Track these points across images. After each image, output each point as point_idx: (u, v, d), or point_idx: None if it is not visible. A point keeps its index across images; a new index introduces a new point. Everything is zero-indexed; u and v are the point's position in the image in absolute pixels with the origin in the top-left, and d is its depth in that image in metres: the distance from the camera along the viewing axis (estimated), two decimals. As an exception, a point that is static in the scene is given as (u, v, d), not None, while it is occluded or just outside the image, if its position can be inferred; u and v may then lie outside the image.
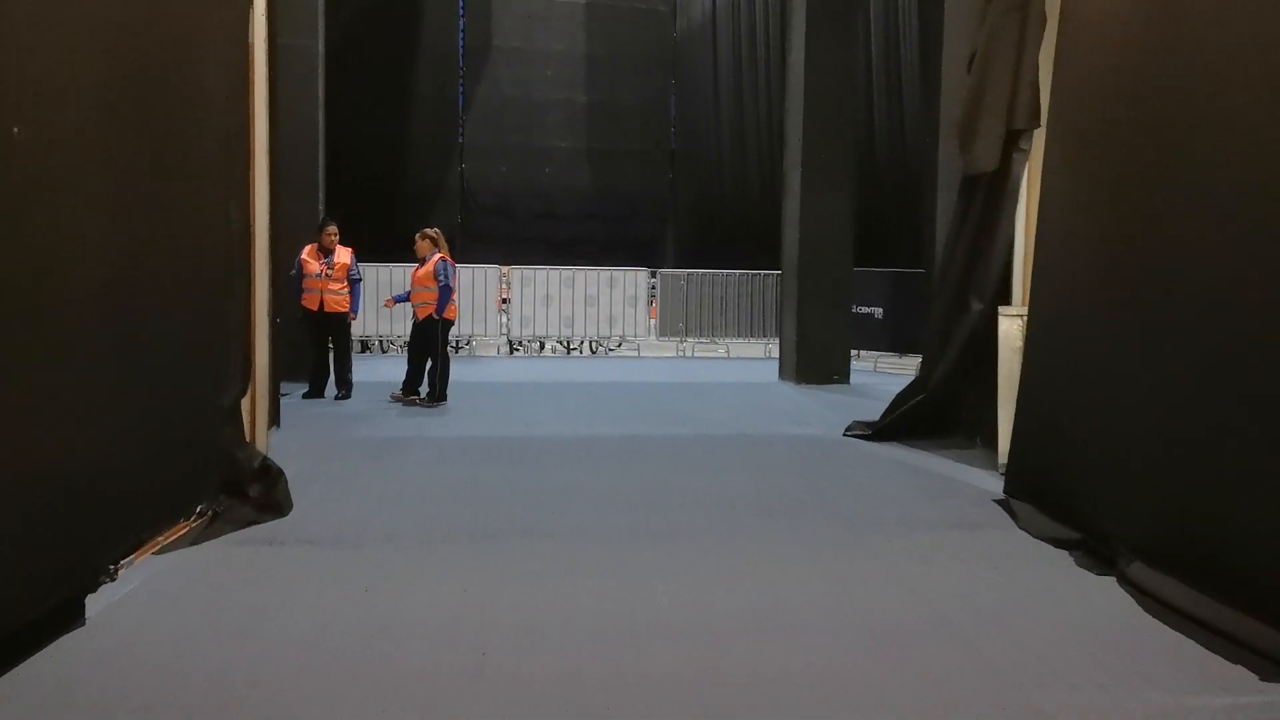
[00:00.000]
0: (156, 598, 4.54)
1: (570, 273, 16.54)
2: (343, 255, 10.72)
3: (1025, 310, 6.99)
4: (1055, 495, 5.91)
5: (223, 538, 5.46)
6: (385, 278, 15.08)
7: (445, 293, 10.31)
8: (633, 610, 4.56)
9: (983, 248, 7.69)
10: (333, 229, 10.71)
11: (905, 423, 8.63)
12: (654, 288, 17.18)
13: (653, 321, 17.22)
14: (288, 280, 10.31)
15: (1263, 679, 3.84)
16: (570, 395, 11.69)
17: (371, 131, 21.17)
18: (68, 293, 4.17)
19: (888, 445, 8.55)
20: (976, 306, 7.76)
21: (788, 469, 7.71)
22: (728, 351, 16.96)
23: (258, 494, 5.89)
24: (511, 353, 16.74)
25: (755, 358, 16.30)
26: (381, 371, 12.61)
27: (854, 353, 13.88)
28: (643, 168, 24.39)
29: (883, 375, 14.14)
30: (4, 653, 3.69)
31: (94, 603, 4.33)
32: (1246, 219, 4.38)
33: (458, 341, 15.76)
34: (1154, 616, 4.53)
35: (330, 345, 10.89)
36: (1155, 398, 4.96)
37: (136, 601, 4.48)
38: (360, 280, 11.06)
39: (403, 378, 10.67)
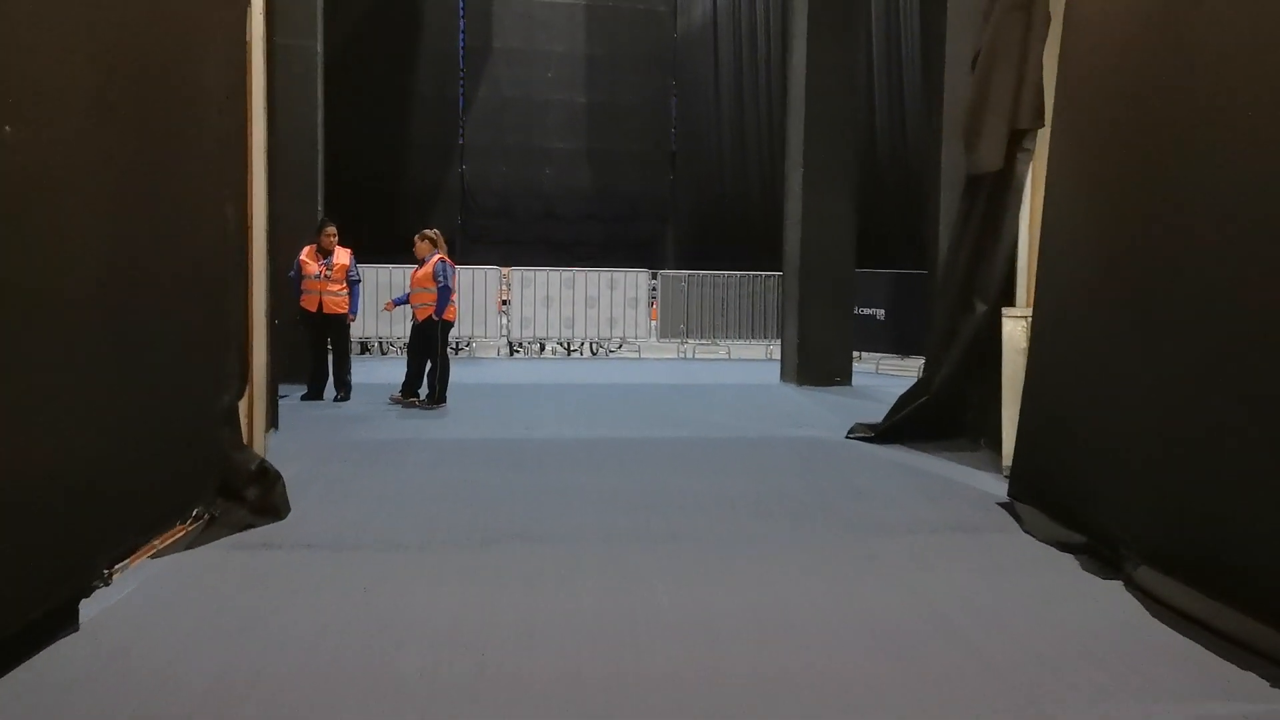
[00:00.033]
0: (152, 602, 4.48)
1: (570, 274, 16.50)
2: (342, 256, 10.67)
3: (1029, 311, 6.93)
4: (1060, 498, 5.85)
5: (219, 541, 5.41)
6: (385, 279, 15.03)
7: (444, 294, 10.26)
8: (633, 612, 4.52)
9: (986, 248, 7.64)
10: (332, 230, 10.66)
11: (908, 425, 8.57)
12: (654, 289, 17.14)
13: (653, 323, 17.17)
14: (286, 281, 10.26)
15: (1274, 686, 3.79)
16: (570, 397, 11.64)
17: (371, 132, 21.13)
18: (64, 293, 4.12)
19: (890, 447, 8.50)
20: (980, 307, 7.71)
21: (789, 471, 7.65)
22: (729, 353, 16.91)
23: (255, 497, 5.84)
24: (511, 354, 16.70)
25: (756, 359, 16.25)
26: (381, 373, 12.56)
27: (856, 354, 13.83)
28: (643, 169, 24.35)
29: (885, 377, 14.10)
30: (-4, 658, 3.65)
31: (88, 608, 4.28)
32: (1248, 218, 4.35)
33: (457, 343, 15.71)
34: (1162, 621, 4.48)
35: (329, 347, 10.85)
36: (1160, 399, 4.92)
37: (131, 606, 4.42)
38: (359, 281, 11.01)
39: (402, 379, 10.62)
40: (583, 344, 17.02)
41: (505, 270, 16.57)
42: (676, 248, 24.23)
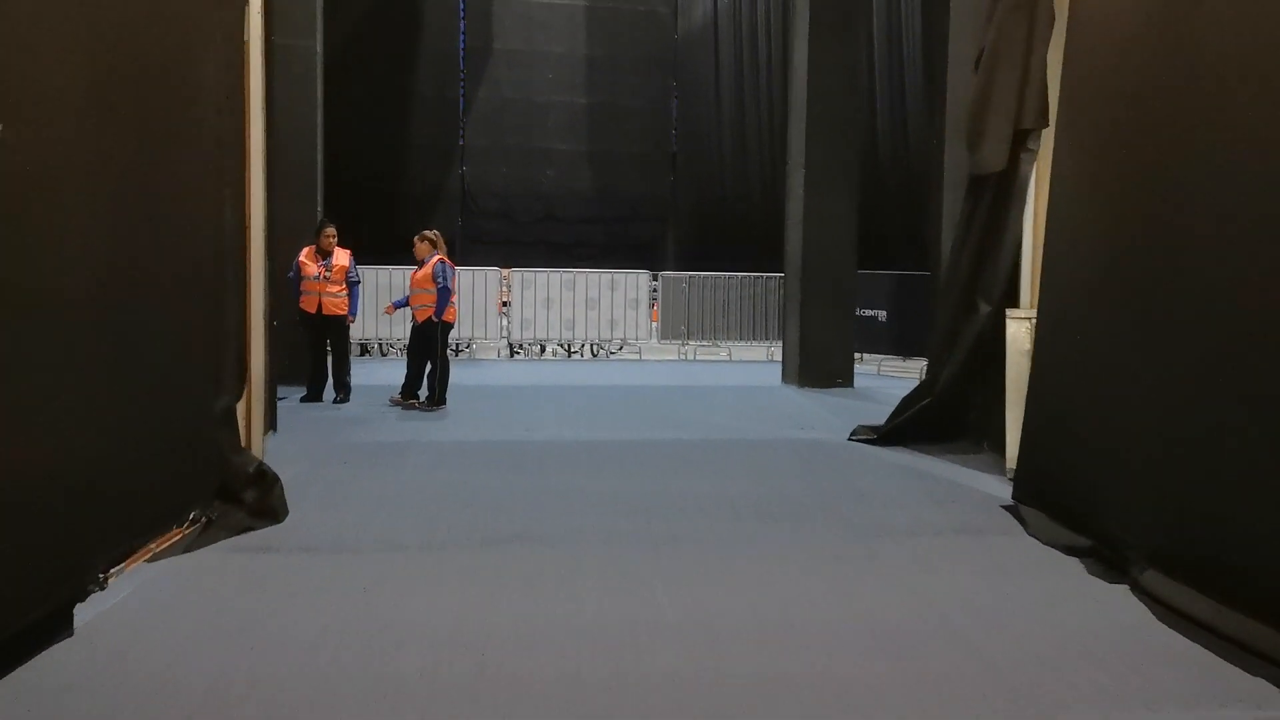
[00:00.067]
0: (148, 606, 4.44)
1: (571, 275, 16.46)
2: (341, 257, 10.63)
3: (1033, 313, 6.90)
4: (1065, 501, 5.81)
5: (217, 544, 5.37)
6: (384, 280, 15.00)
7: (444, 295, 10.22)
8: (633, 613, 4.49)
9: (990, 249, 7.59)
10: (331, 231, 10.62)
11: (911, 427, 8.52)
12: (655, 290, 17.10)
13: (654, 324, 17.14)
14: (286, 282, 10.22)
15: (1283, 690, 3.75)
16: (571, 399, 11.60)
17: (371, 133, 21.10)
18: (61, 293, 4.09)
19: (893, 450, 8.45)
20: (984, 309, 7.66)
21: (791, 473, 7.61)
22: (729, 355, 16.87)
23: (253, 499, 5.80)
24: (512, 356, 16.66)
25: (757, 361, 16.21)
26: (380, 375, 12.52)
27: (857, 356, 13.78)
28: (644, 170, 24.31)
29: (887, 378, 14.06)
30: (-11, 664, 3.60)
31: (83, 612, 4.23)
32: (1250, 218, 4.33)
33: (457, 344, 15.68)
34: (1169, 626, 4.44)
35: (328, 348, 10.80)
36: (1164, 400, 4.88)
37: (127, 610, 4.38)
38: (359, 283, 10.97)
39: (401, 381, 10.57)
40: (583, 345, 16.98)
41: (505, 272, 16.54)
42: (677, 249, 24.19)
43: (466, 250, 21.68)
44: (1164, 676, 3.92)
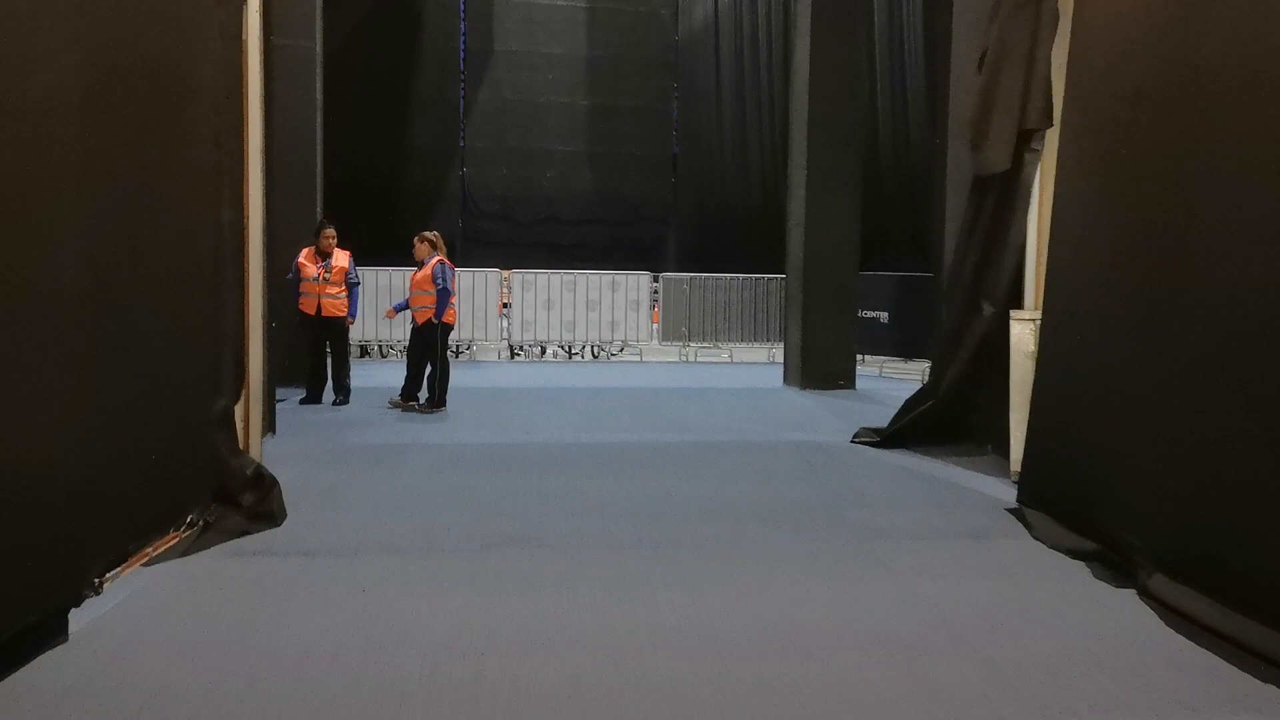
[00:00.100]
0: (144, 611, 4.39)
1: (572, 277, 16.42)
2: (341, 259, 10.59)
3: (1038, 314, 6.85)
4: (1071, 504, 5.76)
5: (214, 549, 5.32)
6: (384, 282, 14.96)
7: (443, 296, 10.18)
8: (634, 619, 4.43)
9: (994, 250, 7.54)
10: (330, 232, 10.57)
11: (914, 429, 8.47)
12: (656, 292, 17.07)
13: (655, 326, 17.10)
14: (285, 283, 10.17)
15: (1295, 698, 3.70)
16: (571, 401, 11.56)
17: (371, 134, 21.07)
18: (54, 294, 4.04)
19: (896, 452, 8.40)
20: (988, 310, 7.61)
21: (794, 476, 7.56)
22: (731, 356, 16.83)
23: (250, 503, 5.75)
24: (512, 357, 16.62)
25: (759, 362, 16.17)
26: (380, 377, 12.47)
27: (859, 357, 13.74)
28: (645, 171, 24.28)
29: (888, 380, 14.01)
30: (-19, 671, 3.55)
31: (77, 618, 4.18)
32: (1259, 218, 4.29)
33: (458, 346, 15.64)
34: (1176, 631, 4.39)
35: (328, 350, 10.76)
36: (1172, 402, 4.83)
37: (123, 616, 4.33)
38: (359, 284, 10.93)
39: (401, 383, 10.53)
40: (584, 347, 16.94)
41: (506, 273, 16.51)
42: (678, 250, 24.16)
43: (467, 251, 21.65)
44: (1172, 683, 3.87)
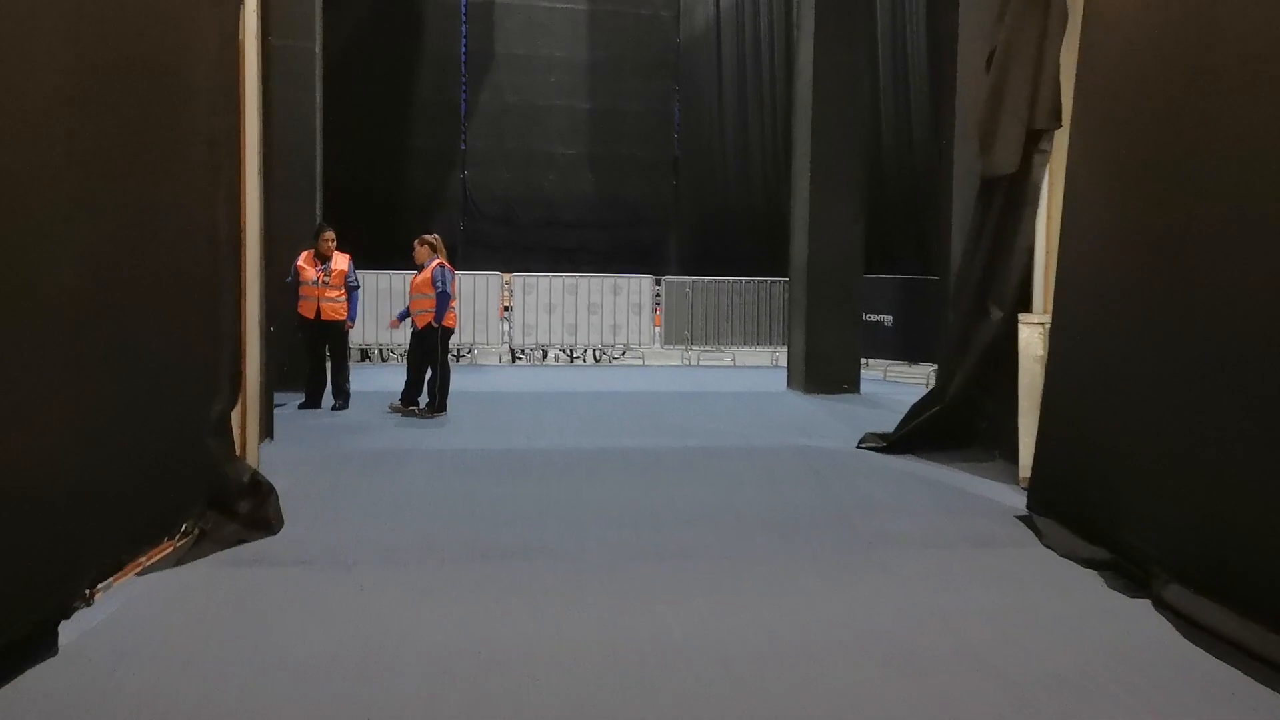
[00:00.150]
0: (136, 623, 4.29)
1: (573, 280, 16.33)
2: (340, 262, 10.49)
3: (1047, 318, 6.75)
4: (1082, 511, 5.66)
5: (209, 558, 5.21)
6: (384, 285, 14.88)
7: (443, 299, 10.07)
8: (640, 633, 4.33)
9: (1002, 253, 7.44)
10: (330, 235, 10.47)
11: (921, 434, 8.36)
12: (658, 295, 16.98)
13: (657, 329, 17.00)
14: (283, 286, 10.07)
15: (1320, 715, 3.59)
16: (573, 405, 11.47)
17: (371, 136, 20.97)
18: (46, 297, 3.95)
19: (903, 458, 8.29)
20: (996, 314, 7.51)
21: (800, 483, 7.46)
22: (734, 360, 16.73)
23: (247, 511, 5.65)
24: (513, 361, 16.52)
25: (762, 366, 16.07)
26: (380, 381, 12.37)
27: (863, 361, 13.63)
28: (646, 174, 24.16)
29: (893, 384, 13.92)
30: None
31: (68, 630, 4.08)
32: (1270, 220, 4.21)
33: (458, 350, 15.55)
34: (1194, 643, 4.29)
35: (327, 354, 10.66)
36: (1187, 406, 4.74)
37: (114, 628, 4.22)
38: (358, 287, 10.83)
39: (401, 387, 10.43)
40: (586, 351, 16.84)
41: (507, 276, 16.41)
42: (680, 253, 24.04)
43: (468, 255, 21.53)
44: (1191, 698, 3.77)
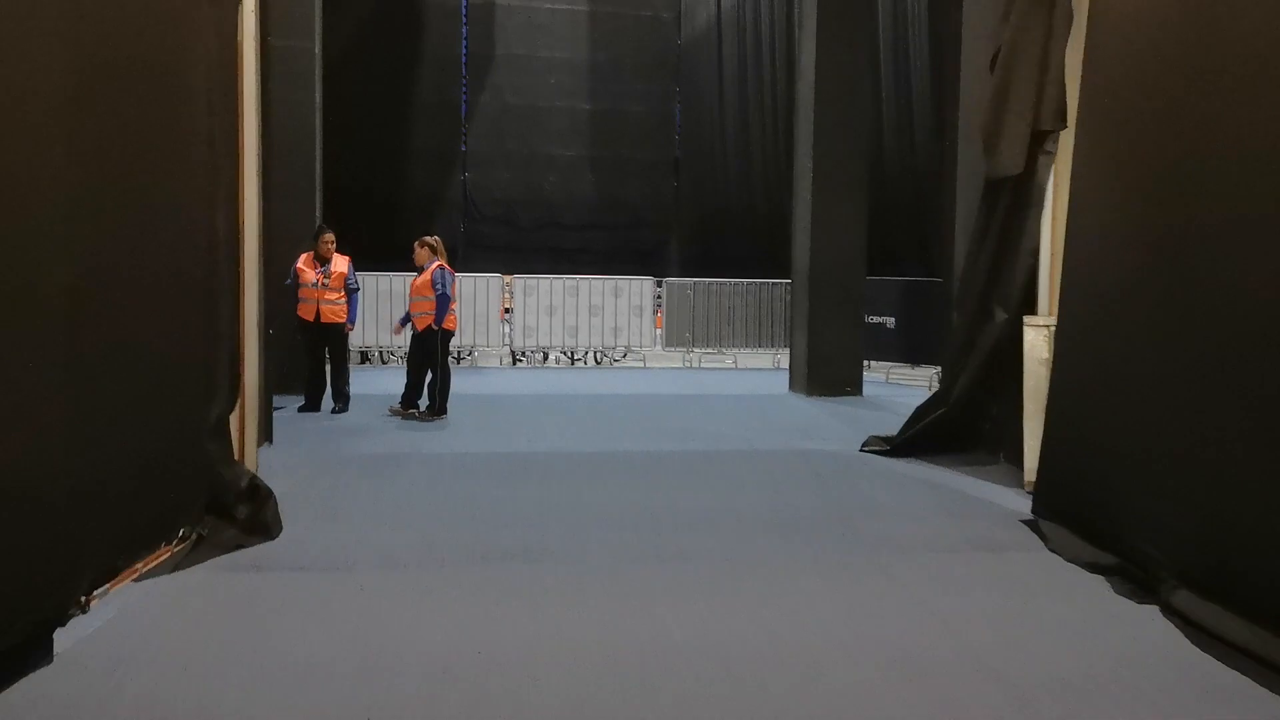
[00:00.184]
0: (133, 630, 4.24)
1: (574, 282, 16.29)
2: (340, 264, 10.44)
3: (1052, 320, 6.70)
4: (1088, 515, 5.61)
5: (207, 563, 5.16)
6: (384, 287, 14.84)
7: (443, 302, 10.03)
8: (641, 636, 4.29)
9: (1007, 255, 7.39)
10: (329, 237, 10.42)
11: (925, 437, 8.31)
12: (659, 297, 16.94)
13: (658, 331, 16.96)
14: (282, 289, 10.03)
15: (1332, 723, 3.54)
16: (574, 408, 11.42)
17: (372, 137, 20.94)
18: (44, 298, 3.91)
19: (906, 461, 8.24)
20: (1001, 316, 7.45)
21: (802, 486, 7.41)
22: (735, 362, 16.69)
23: (245, 515, 5.59)
24: (514, 364, 16.48)
25: (764, 368, 16.03)
26: (380, 384, 12.34)
27: (865, 363, 13.58)
28: (647, 176, 24.14)
29: (895, 386, 13.87)
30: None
31: (63, 638, 4.03)
32: (1277, 220, 4.16)
33: (459, 352, 15.50)
34: (1202, 650, 4.24)
35: (326, 356, 10.61)
36: (1194, 409, 4.69)
37: (112, 633, 4.18)
38: (358, 290, 10.78)
39: (401, 390, 10.38)
40: (586, 353, 16.80)
41: (508, 278, 16.38)
42: (681, 255, 24.01)
43: (468, 256, 21.49)
44: (1199, 705, 3.73)
